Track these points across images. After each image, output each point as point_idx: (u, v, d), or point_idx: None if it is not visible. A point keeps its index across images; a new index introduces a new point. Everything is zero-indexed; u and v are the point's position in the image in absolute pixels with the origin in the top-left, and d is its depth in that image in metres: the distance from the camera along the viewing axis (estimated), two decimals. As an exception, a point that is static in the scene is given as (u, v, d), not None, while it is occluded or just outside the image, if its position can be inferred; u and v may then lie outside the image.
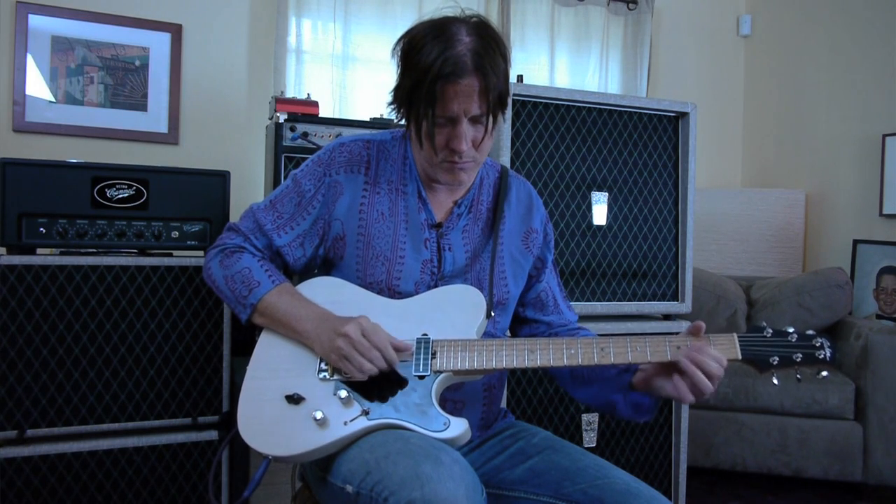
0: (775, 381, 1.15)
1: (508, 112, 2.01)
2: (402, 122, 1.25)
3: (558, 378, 1.40)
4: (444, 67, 1.10)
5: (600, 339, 1.16)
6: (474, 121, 1.16)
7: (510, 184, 1.36)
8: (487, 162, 1.38)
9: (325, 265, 1.33)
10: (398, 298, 1.23)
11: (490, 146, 1.24)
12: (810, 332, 1.16)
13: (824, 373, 1.14)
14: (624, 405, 1.26)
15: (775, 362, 1.13)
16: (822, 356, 1.13)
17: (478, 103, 1.13)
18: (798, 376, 1.15)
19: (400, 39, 1.19)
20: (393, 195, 1.27)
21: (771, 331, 1.15)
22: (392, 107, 1.23)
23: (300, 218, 1.27)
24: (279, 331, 1.22)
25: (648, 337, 1.15)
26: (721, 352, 1.13)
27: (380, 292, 1.24)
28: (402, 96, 1.18)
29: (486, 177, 1.35)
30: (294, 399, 1.13)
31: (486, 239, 1.31)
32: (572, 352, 1.15)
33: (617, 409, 1.27)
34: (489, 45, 1.14)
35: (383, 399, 1.13)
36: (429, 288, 1.25)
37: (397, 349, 1.14)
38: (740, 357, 1.14)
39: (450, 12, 1.18)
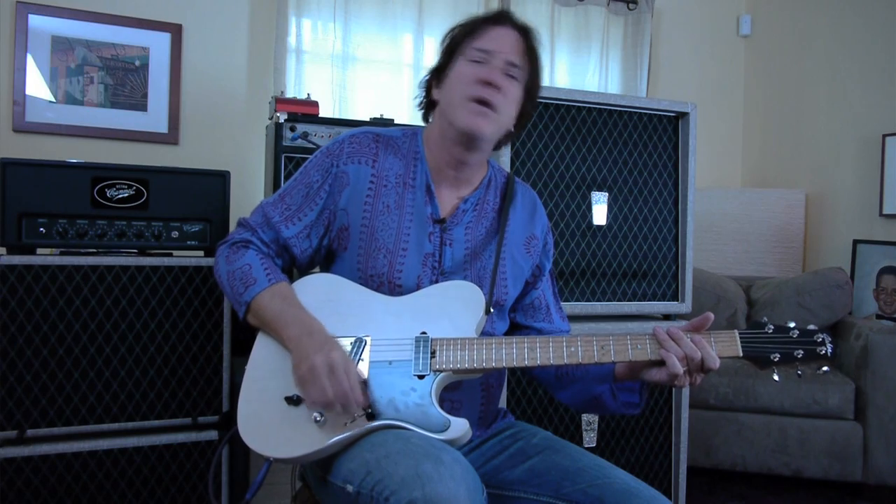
0: (776, 378, 1.14)
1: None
2: (421, 107, 1.34)
3: (543, 381, 1.40)
4: (492, 12, 1.27)
5: (601, 336, 1.15)
6: (509, 71, 1.23)
7: (516, 189, 1.37)
8: (495, 166, 1.39)
9: (328, 256, 1.32)
10: (398, 292, 1.23)
11: (512, 116, 1.28)
12: (812, 327, 1.15)
13: (825, 368, 1.14)
14: (609, 397, 1.25)
15: (776, 359, 1.13)
16: (824, 352, 1.12)
17: (517, 53, 1.24)
18: (799, 372, 1.15)
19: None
20: (400, 189, 1.27)
21: (772, 327, 1.14)
22: (421, 88, 1.34)
23: (307, 209, 1.27)
24: (269, 333, 1.21)
25: (649, 334, 1.15)
26: (722, 349, 1.13)
27: (380, 285, 1.23)
28: (444, 53, 1.29)
29: (494, 179, 1.36)
30: (293, 400, 1.13)
31: (488, 238, 1.31)
32: (573, 349, 1.14)
33: (603, 401, 1.26)
34: (532, 31, 1.29)
35: (382, 385, 1.13)
36: (431, 282, 1.25)
37: (358, 403, 1.09)
38: (741, 354, 1.13)
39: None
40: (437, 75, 1.29)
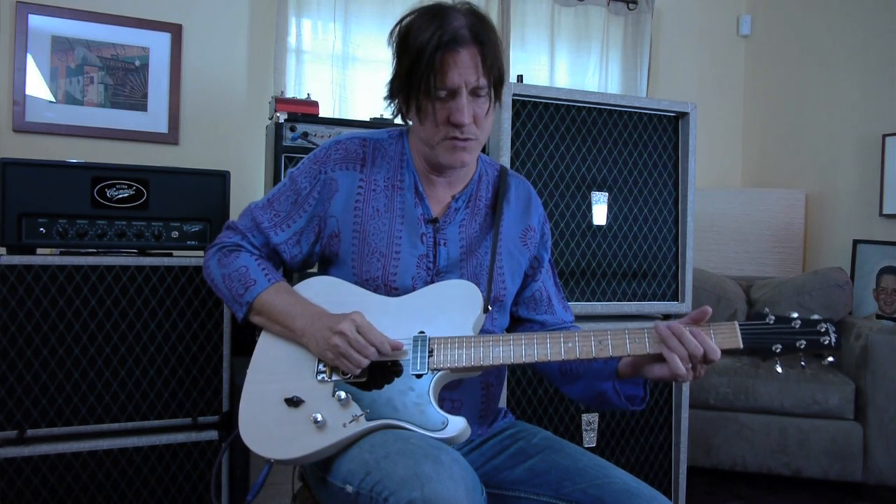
0: (779, 370, 1.11)
1: (508, 112, 2.01)
2: (398, 116, 1.27)
3: (548, 376, 1.39)
4: (443, 37, 1.13)
5: (598, 332, 1.15)
6: (475, 94, 1.17)
7: (509, 182, 1.37)
8: (486, 160, 1.38)
9: (322, 263, 1.33)
10: (395, 294, 1.23)
11: (490, 127, 1.24)
12: (815, 316, 1.12)
13: (830, 359, 1.10)
14: (613, 394, 1.25)
15: (778, 350, 1.10)
16: (827, 342, 1.09)
17: (478, 74, 1.15)
18: (802, 363, 1.11)
19: (394, 27, 1.21)
20: (389, 191, 1.28)
21: (774, 317, 1.11)
22: (388, 100, 1.25)
23: (296, 216, 1.28)
24: (274, 329, 1.22)
25: (647, 328, 1.14)
26: (722, 340, 1.11)
27: (376, 289, 1.24)
28: (401, 80, 1.19)
29: (485, 174, 1.36)
30: (293, 402, 1.13)
31: (483, 234, 1.31)
32: (570, 345, 1.14)
33: (608, 397, 1.26)
34: (484, 22, 1.18)
35: (379, 386, 1.13)
36: (425, 283, 1.25)
37: (393, 347, 1.15)
38: (741, 346, 1.10)
39: None
40: (402, 91, 1.20)
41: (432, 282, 1.25)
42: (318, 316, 1.17)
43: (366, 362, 1.13)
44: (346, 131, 2.27)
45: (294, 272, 1.36)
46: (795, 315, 1.12)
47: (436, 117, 1.17)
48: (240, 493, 1.86)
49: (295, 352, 1.19)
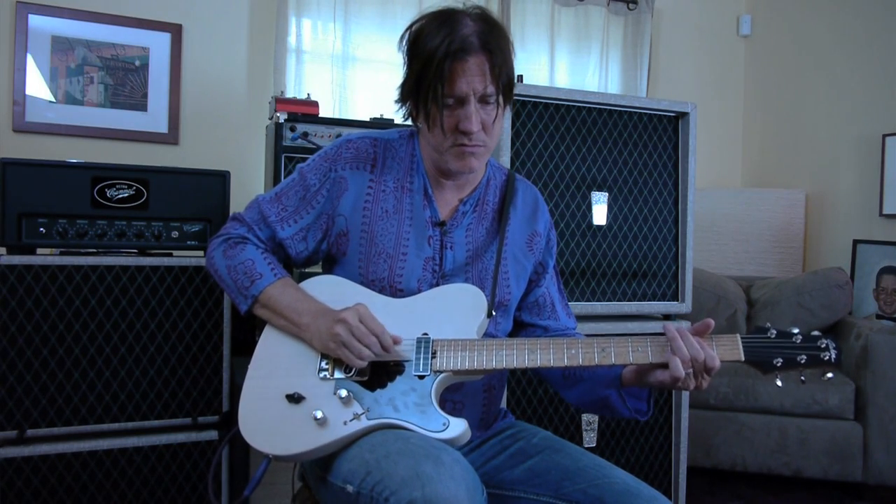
0: (779, 384, 1.13)
1: (508, 112, 2.01)
2: (409, 119, 1.27)
3: (550, 380, 1.39)
4: (452, 45, 1.12)
5: (601, 339, 1.15)
6: (484, 101, 1.17)
7: (517, 187, 1.37)
8: (494, 164, 1.39)
9: (328, 261, 1.33)
10: (400, 295, 1.23)
11: (500, 132, 1.25)
12: (816, 332, 1.14)
13: (829, 374, 1.12)
14: (616, 400, 1.25)
15: (779, 364, 1.11)
16: (828, 358, 1.11)
17: (486, 82, 1.15)
18: (802, 378, 1.13)
19: (405, 32, 1.21)
20: (398, 193, 1.28)
21: (775, 332, 1.13)
22: (398, 104, 1.25)
23: (304, 212, 1.28)
24: (278, 323, 1.22)
25: (650, 337, 1.15)
26: (724, 352, 1.12)
27: (382, 290, 1.24)
28: (410, 85, 1.19)
29: (493, 178, 1.36)
30: (294, 398, 1.13)
31: (489, 239, 1.31)
32: (573, 352, 1.14)
33: (610, 403, 1.26)
34: (495, 28, 1.18)
35: (382, 385, 1.13)
36: (430, 286, 1.25)
37: (393, 339, 1.15)
38: (743, 358, 1.12)
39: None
40: (412, 95, 1.21)
41: (437, 285, 1.25)
42: (322, 312, 1.18)
43: (367, 353, 1.12)
44: (346, 131, 2.27)
45: (297, 268, 1.36)
46: (797, 330, 1.13)
47: (444, 124, 1.17)
48: (240, 491, 1.86)
49: (297, 348, 1.20)
